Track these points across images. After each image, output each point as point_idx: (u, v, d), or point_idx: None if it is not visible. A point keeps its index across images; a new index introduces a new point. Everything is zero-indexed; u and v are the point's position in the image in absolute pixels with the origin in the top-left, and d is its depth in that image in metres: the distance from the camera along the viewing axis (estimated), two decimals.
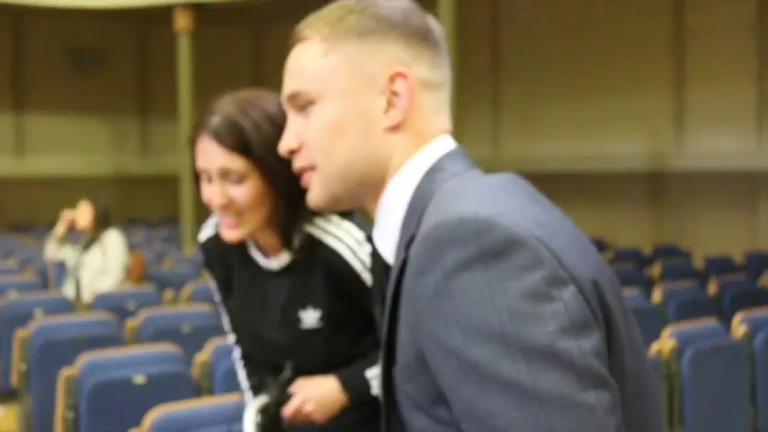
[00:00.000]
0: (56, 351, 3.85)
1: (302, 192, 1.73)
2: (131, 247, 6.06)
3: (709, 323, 4.23)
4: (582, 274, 0.93)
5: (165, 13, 10.02)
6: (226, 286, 1.98)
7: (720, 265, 7.07)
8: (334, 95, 1.07)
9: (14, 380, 4.09)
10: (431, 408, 0.97)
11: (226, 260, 1.95)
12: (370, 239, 1.79)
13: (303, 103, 1.09)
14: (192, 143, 1.78)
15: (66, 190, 10.20)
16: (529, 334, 0.86)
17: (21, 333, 4.06)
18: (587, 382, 0.86)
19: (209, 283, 2.07)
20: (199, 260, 7.35)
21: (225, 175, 1.73)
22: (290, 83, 1.11)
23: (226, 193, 1.73)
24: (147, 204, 12.78)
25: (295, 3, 10.94)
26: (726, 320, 4.41)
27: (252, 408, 1.80)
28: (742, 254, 7.69)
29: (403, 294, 0.98)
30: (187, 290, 5.49)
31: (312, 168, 1.10)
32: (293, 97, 1.10)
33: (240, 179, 1.73)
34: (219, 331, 4.19)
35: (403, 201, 1.06)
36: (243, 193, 1.73)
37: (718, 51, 8.76)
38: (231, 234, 1.78)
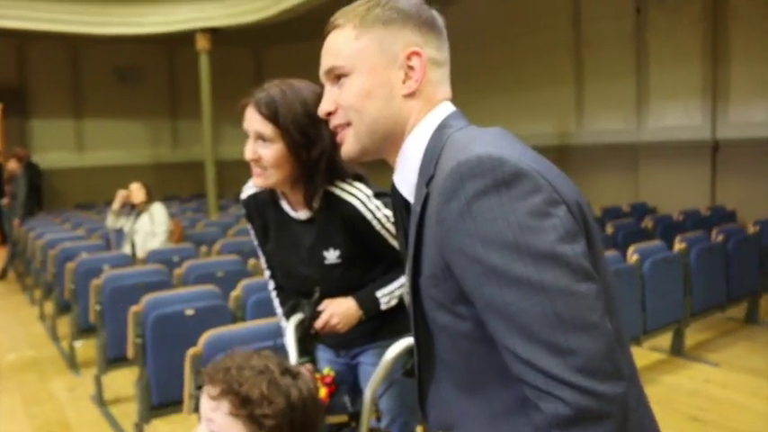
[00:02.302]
0: (122, 294, 3.82)
1: (317, 162, 1.73)
2: (171, 216, 5.99)
3: (609, 254, 4.29)
4: (569, 197, 0.94)
5: (188, 37, 9.85)
6: (263, 233, 1.96)
7: (614, 213, 7.16)
8: (364, 70, 1.06)
9: (92, 317, 4.04)
10: (453, 307, 0.98)
11: (262, 213, 1.94)
12: (377, 195, 1.79)
13: (338, 76, 1.09)
14: (242, 109, 1.75)
15: (115, 176, 10.02)
16: (535, 242, 0.87)
17: (95, 283, 4.01)
18: (580, 276, 0.88)
19: (249, 231, 2.03)
20: (224, 223, 7.36)
21: (258, 136, 1.72)
22: (328, 60, 1.10)
23: (256, 151, 1.73)
24: (178, 185, 12.61)
25: (288, 29, 10.83)
26: (622, 252, 4.47)
27: (291, 323, 1.79)
28: (628, 204, 7.79)
29: (427, 220, 0.98)
30: (217, 245, 5.45)
31: (347, 125, 1.10)
32: (330, 71, 1.10)
33: (269, 142, 1.72)
34: (246, 274, 4.20)
35: (419, 150, 1.06)
36: (269, 153, 1.72)
37: (605, 58, 8.81)
38: (258, 182, 1.78)
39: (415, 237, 1.01)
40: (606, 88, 8.85)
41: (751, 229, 5.46)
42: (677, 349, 4.56)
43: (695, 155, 7.80)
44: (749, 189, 7.31)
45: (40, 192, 9.06)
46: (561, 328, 0.85)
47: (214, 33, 9.69)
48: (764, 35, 7.17)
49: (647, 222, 6.19)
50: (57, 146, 12.29)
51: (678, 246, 4.67)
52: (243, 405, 1.19)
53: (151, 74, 13.06)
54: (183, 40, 10.25)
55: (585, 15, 9.07)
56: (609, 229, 5.77)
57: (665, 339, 4.60)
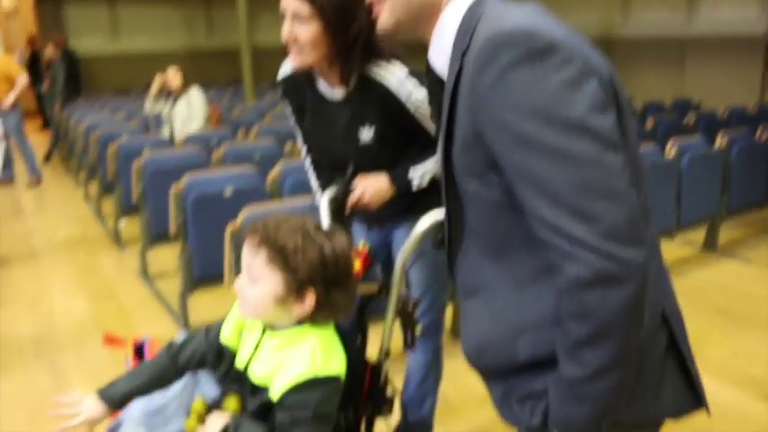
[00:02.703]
0: (163, 175, 3.92)
1: (354, 42, 1.72)
2: (208, 101, 6.01)
3: (647, 147, 4.23)
4: (601, 70, 0.95)
5: None
6: (299, 112, 1.98)
7: (655, 108, 6.97)
8: None
9: (135, 197, 4.18)
10: (482, 175, 1.01)
11: (299, 92, 1.95)
12: (412, 75, 1.78)
13: None
14: None
15: (150, 64, 10.00)
16: (566, 112, 0.88)
17: (136, 164, 4.11)
18: (609, 146, 0.89)
19: (287, 112, 2.05)
20: (260, 108, 7.37)
21: (295, 16, 1.71)
22: None
23: (293, 31, 1.73)
24: (214, 73, 12.54)
25: None
26: (660, 146, 4.39)
27: (325, 197, 1.83)
28: (671, 100, 7.57)
29: (461, 90, 0.99)
30: (254, 129, 5.49)
31: (382, 0, 1.09)
32: None
33: (305, 22, 1.71)
34: (282, 156, 4.26)
35: (454, 25, 1.05)
36: (305, 32, 1.72)
37: None
38: (295, 61, 1.79)
39: (449, 108, 1.02)
40: None
41: None
42: (710, 245, 4.57)
43: (746, 50, 7.47)
44: None
45: (78, 79, 9.12)
46: (587, 195, 0.87)
47: None
48: None
49: (690, 118, 6.03)
50: (91, 31, 12.26)
51: (719, 142, 4.57)
52: (278, 254, 1.29)
53: None
54: None
55: None
56: (649, 124, 5.64)
57: (698, 235, 4.60)
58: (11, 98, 6.84)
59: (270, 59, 10.71)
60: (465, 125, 0.99)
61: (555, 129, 0.88)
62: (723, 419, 2.56)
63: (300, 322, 1.37)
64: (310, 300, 1.32)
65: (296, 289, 1.30)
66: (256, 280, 1.32)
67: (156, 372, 1.49)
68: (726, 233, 4.71)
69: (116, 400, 1.45)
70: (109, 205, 5.49)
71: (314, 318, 1.35)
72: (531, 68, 0.89)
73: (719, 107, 6.71)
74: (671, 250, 4.48)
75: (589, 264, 0.87)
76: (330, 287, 1.33)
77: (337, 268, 1.33)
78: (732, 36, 7.54)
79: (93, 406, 1.44)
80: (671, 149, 4.24)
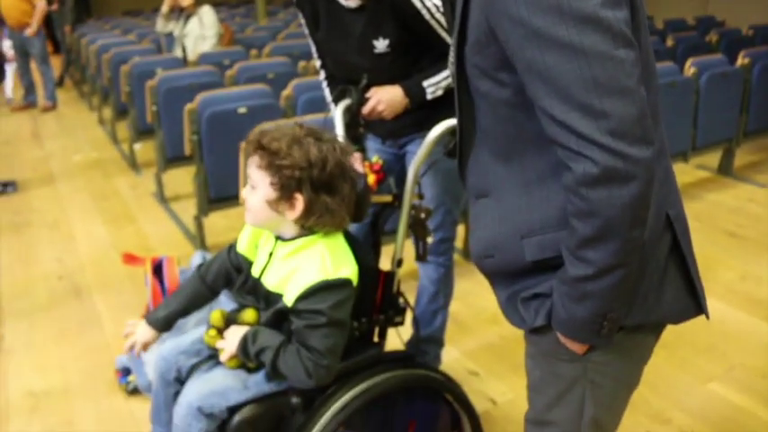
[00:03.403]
0: (177, 95, 3.91)
1: None
2: (221, 20, 5.91)
3: (666, 65, 4.15)
4: None
5: None
6: (314, 22, 1.95)
7: (677, 26, 6.78)
8: None
9: (149, 118, 4.19)
10: (495, 73, 1.00)
11: (314, 1, 1.92)
12: None
13: None
14: None
15: None
16: (578, 6, 0.87)
17: (150, 84, 4.10)
18: (620, 42, 0.88)
19: (300, 20, 2.02)
20: (273, 27, 7.25)
21: None
22: None
23: None
24: None
25: None
26: (680, 64, 4.30)
27: (339, 107, 1.84)
28: (694, 18, 7.35)
29: None
30: (267, 49, 5.43)
31: None
32: None
33: None
34: (296, 75, 4.23)
35: None
36: None
37: None
38: None
39: (462, 5, 1.02)
40: None
41: None
42: (725, 168, 4.54)
43: None
44: None
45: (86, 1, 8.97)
46: (597, 92, 0.87)
47: None
48: None
49: (712, 36, 5.87)
50: None
51: (741, 60, 4.46)
52: (267, 158, 1.34)
53: None
54: None
55: None
56: (669, 42, 5.51)
57: (713, 158, 4.56)
58: (35, 26, 6.80)
59: None
60: (478, 23, 0.99)
61: (567, 22, 0.87)
62: (727, 337, 2.62)
63: (304, 230, 1.41)
64: (299, 203, 1.36)
65: (286, 193, 1.34)
66: (254, 187, 1.38)
67: (192, 293, 1.60)
68: (741, 157, 4.68)
69: (161, 322, 1.58)
70: (124, 129, 5.51)
71: (307, 222, 1.38)
72: None
73: (744, 25, 6.52)
74: (685, 173, 4.46)
75: (596, 160, 0.88)
76: (318, 190, 1.36)
77: (324, 171, 1.35)
78: None
79: (143, 330, 1.58)
80: (690, 68, 4.15)
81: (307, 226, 1.40)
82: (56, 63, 9.18)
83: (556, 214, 1.01)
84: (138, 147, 5.07)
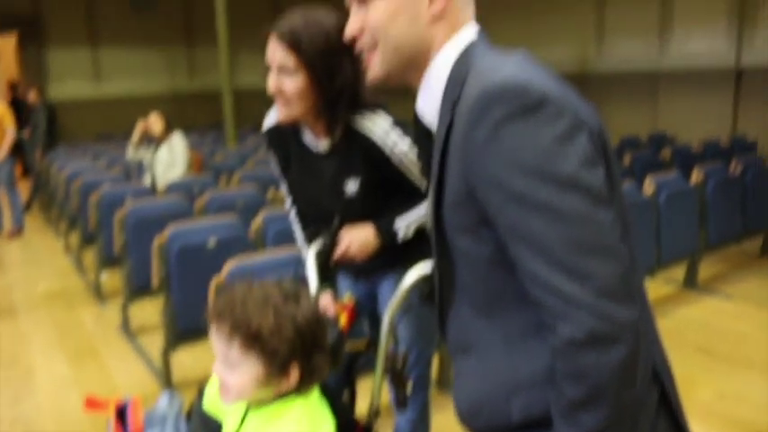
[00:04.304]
0: (145, 225, 3.89)
1: (340, 93, 1.73)
2: (190, 146, 6.01)
3: (625, 185, 4.27)
4: (591, 123, 0.95)
5: None
6: (285, 164, 1.97)
7: (631, 143, 7.08)
8: None
9: (117, 248, 4.14)
10: (474, 230, 1.00)
11: (284, 144, 1.94)
12: (397, 125, 1.79)
13: None
14: (264, 39, 1.73)
15: (132, 107, 10.01)
16: (558, 168, 0.89)
17: (118, 214, 4.07)
18: (600, 202, 0.90)
19: (271, 161, 2.03)
20: (242, 153, 7.37)
21: (281, 68, 1.71)
22: None
23: (279, 83, 1.72)
24: (196, 115, 12.56)
25: None
26: (638, 183, 4.45)
27: (311, 251, 1.82)
28: (647, 134, 7.69)
29: (452, 144, 0.99)
30: (236, 175, 5.48)
31: (373, 48, 1.09)
32: None
33: (291, 74, 1.70)
34: (265, 204, 4.25)
35: (444, 74, 1.05)
36: (291, 84, 1.71)
37: None
38: (281, 114, 1.77)
39: (439, 161, 1.02)
40: (628, 13, 8.58)
41: None
42: (690, 281, 4.60)
43: (718, 83, 7.62)
44: None
45: (55, 128, 9.07)
46: (580, 253, 0.88)
47: None
48: None
49: (665, 153, 6.13)
50: (73, 75, 12.26)
51: (695, 177, 4.63)
52: (254, 340, 1.23)
53: (165, 1, 12.84)
54: None
55: None
56: (626, 160, 5.72)
57: (678, 271, 4.63)
58: (2, 152, 6.85)
59: (251, 101, 10.81)
60: (457, 181, 0.99)
61: (547, 185, 0.88)
62: None
63: (284, 394, 1.35)
64: (294, 373, 1.29)
65: (278, 368, 1.28)
66: (234, 366, 1.26)
67: None
68: (705, 269, 4.75)
69: None
70: (90, 257, 5.44)
71: (299, 388, 1.33)
72: (524, 123, 0.90)
73: (694, 140, 6.83)
74: (652, 288, 4.47)
75: (583, 323, 0.87)
76: (311, 354, 1.30)
77: (312, 333, 1.29)
78: (703, 69, 7.71)
79: None
80: (648, 186, 4.29)
81: (293, 390, 1.33)
82: (25, 187, 9.17)
83: (541, 371, 0.98)
84: (104, 276, 4.98)
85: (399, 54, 1.07)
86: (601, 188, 0.90)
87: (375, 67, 1.10)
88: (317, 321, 1.33)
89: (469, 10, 1.10)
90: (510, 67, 0.96)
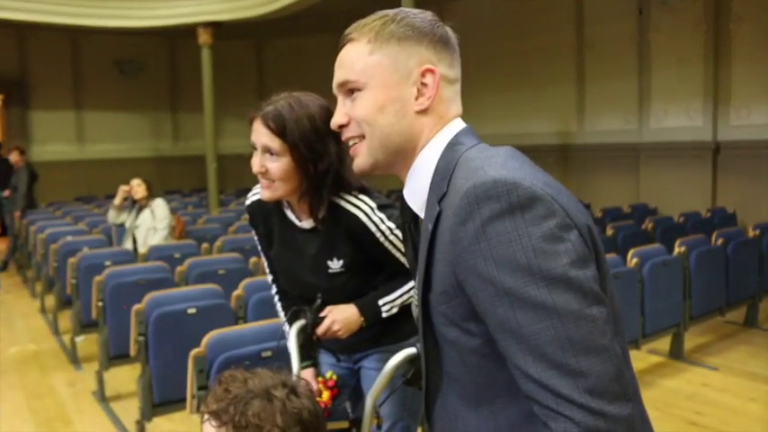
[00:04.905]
0: (124, 291, 3.84)
1: (324, 176, 1.75)
2: (173, 211, 5.99)
3: (609, 257, 4.30)
4: (581, 221, 0.96)
5: (190, 31, 9.84)
6: (267, 239, 1.98)
7: (614, 214, 7.16)
8: (378, 85, 1.06)
9: (94, 314, 4.06)
10: (463, 323, 0.99)
11: (267, 219, 1.95)
12: (381, 208, 1.80)
13: (351, 90, 1.09)
14: (250, 122, 1.76)
15: (115, 169, 10.09)
16: (548, 266, 0.88)
17: (97, 279, 4.02)
18: (591, 300, 0.89)
19: (253, 235, 2.04)
20: (225, 219, 7.36)
21: (266, 150, 1.73)
22: (341, 73, 1.10)
23: (264, 164, 1.74)
24: (179, 179, 12.60)
25: (290, 23, 10.80)
26: (622, 255, 4.48)
27: (294, 329, 1.81)
28: (629, 206, 7.80)
29: (439, 237, 0.99)
30: (219, 242, 5.45)
31: (360, 138, 1.10)
32: (343, 84, 1.10)
33: (276, 156, 1.73)
34: (247, 273, 4.21)
35: (431, 166, 1.06)
36: (276, 167, 1.73)
37: (607, 59, 8.83)
38: (265, 194, 1.79)
39: (427, 253, 1.02)
40: (608, 88, 8.86)
41: (751, 233, 5.48)
42: (676, 353, 4.59)
43: (696, 156, 7.81)
44: (750, 191, 7.33)
45: (33, 190, 9.05)
46: (572, 351, 0.87)
47: (216, 27, 9.68)
48: (766, 38, 7.17)
49: (648, 224, 6.20)
50: (57, 138, 12.29)
51: (678, 249, 4.69)
52: None
53: (152, 67, 13.05)
54: (184, 34, 10.26)
55: (588, 16, 9.07)
56: (609, 231, 5.77)
57: (664, 343, 4.62)
58: None
59: (234, 166, 10.90)
60: (444, 274, 0.99)
61: (537, 283, 0.88)
62: None
63: None
64: None
65: None
66: None
67: None
68: (690, 340, 4.76)
69: None
70: (66, 319, 5.33)
71: None
72: (513, 222, 0.90)
73: (675, 211, 6.94)
74: (637, 359, 4.47)
75: (576, 421, 0.86)
76: None
77: (315, 426, 1.22)
78: (682, 143, 7.92)
79: None
80: (632, 258, 4.32)
81: None
82: (2, 246, 9.05)
83: None
84: (79, 340, 4.87)
85: (386, 145, 1.08)
86: (592, 286, 0.90)
87: (362, 157, 1.11)
88: (317, 412, 1.25)
89: (456, 104, 1.11)
90: (498, 163, 0.97)
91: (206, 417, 1.21)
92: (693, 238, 5.08)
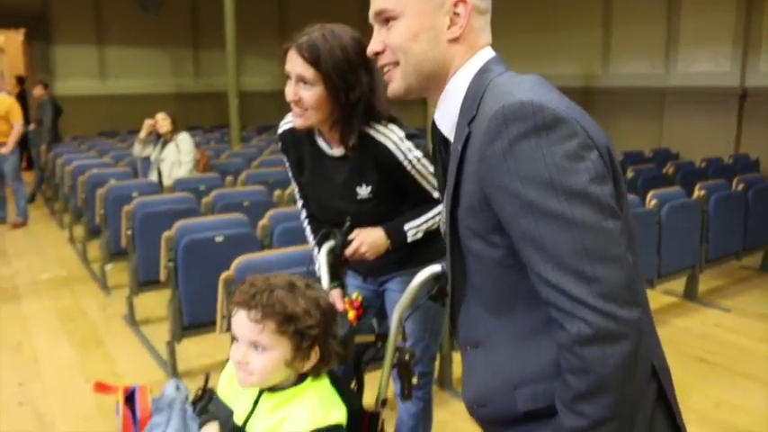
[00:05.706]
0: (153, 220, 3.96)
1: (355, 105, 1.80)
2: (197, 145, 6.07)
3: (629, 198, 4.32)
4: (601, 143, 1.03)
5: None
6: (298, 166, 2.04)
7: (636, 158, 7.14)
8: (413, 14, 1.12)
9: (124, 242, 4.20)
10: (487, 235, 1.08)
11: (298, 147, 2.01)
12: (409, 137, 1.87)
13: (387, 18, 1.15)
14: (285, 52, 1.81)
15: (137, 105, 10.08)
16: (569, 182, 0.96)
17: (126, 209, 4.14)
18: (608, 214, 0.97)
19: (285, 163, 2.11)
20: (247, 154, 7.43)
21: (299, 79, 1.79)
22: (378, 3, 1.16)
23: (297, 93, 1.80)
24: (200, 115, 12.60)
25: None
26: (641, 196, 4.51)
27: (323, 250, 1.89)
28: (651, 150, 7.76)
29: (468, 156, 1.06)
30: (242, 176, 5.54)
31: (394, 65, 1.16)
32: (380, 13, 1.16)
33: (310, 85, 1.78)
34: (271, 205, 4.31)
35: (461, 92, 1.13)
36: (309, 95, 1.79)
37: (635, 2, 8.64)
38: (297, 122, 1.85)
39: (456, 171, 1.09)
40: (635, 32, 8.68)
41: None
42: (690, 294, 4.66)
43: (722, 102, 7.70)
44: None
45: (57, 125, 9.14)
46: (588, 259, 0.95)
47: None
48: None
49: (669, 168, 6.19)
50: (79, 73, 12.31)
51: (697, 193, 4.70)
52: (288, 322, 1.33)
53: (173, 2, 12.93)
54: None
55: None
56: (629, 174, 5.77)
57: (678, 284, 4.69)
58: (11, 144, 6.94)
59: (256, 103, 10.89)
60: (472, 190, 1.06)
61: (559, 197, 0.96)
62: None
63: (300, 378, 1.41)
64: (314, 356, 1.37)
65: (304, 349, 1.35)
66: (265, 349, 1.34)
67: None
68: (705, 282, 4.82)
69: None
70: (95, 248, 5.49)
71: (317, 370, 1.40)
72: (538, 141, 0.97)
73: (697, 157, 6.90)
74: (652, 299, 4.47)
75: (590, 322, 0.94)
76: (328, 337, 1.39)
77: (332, 316, 1.40)
78: (708, 89, 7.80)
79: None
80: (651, 200, 4.36)
81: (309, 372, 1.40)
82: (29, 179, 9.22)
83: (547, 366, 1.06)
84: (109, 268, 5.04)
85: (419, 71, 1.14)
86: (609, 202, 0.97)
87: (396, 82, 1.17)
88: (332, 307, 1.43)
89: (487, 33, 1.17)
90: (525, 89, 1.03)
91: (234, 309, 1.35)
92: (714, 182, 5.07)
